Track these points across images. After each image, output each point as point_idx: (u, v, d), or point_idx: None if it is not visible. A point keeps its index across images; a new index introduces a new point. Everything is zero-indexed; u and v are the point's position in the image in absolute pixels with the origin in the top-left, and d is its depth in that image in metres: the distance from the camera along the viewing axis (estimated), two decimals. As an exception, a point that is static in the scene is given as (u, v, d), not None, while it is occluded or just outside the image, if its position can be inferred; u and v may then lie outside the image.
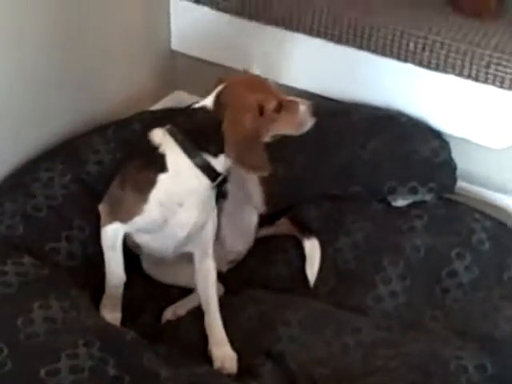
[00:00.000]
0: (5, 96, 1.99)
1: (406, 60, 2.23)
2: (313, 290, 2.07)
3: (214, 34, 2.52)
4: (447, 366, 1.72)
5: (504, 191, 2.33)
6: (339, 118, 2.31)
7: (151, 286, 2.07)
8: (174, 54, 2.65)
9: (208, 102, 1.77)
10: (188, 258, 1.96)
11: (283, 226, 2.21)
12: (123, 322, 1.90)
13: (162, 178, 1.76)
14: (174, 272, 2.06)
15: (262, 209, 2.15)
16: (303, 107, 1.83)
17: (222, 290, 2.03)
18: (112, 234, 1.85)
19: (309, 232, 2.15)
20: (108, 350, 1.61)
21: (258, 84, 1.80)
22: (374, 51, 2.26)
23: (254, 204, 2.13)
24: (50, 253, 1.93)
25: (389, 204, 2.23)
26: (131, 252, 2.00)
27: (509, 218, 2.24)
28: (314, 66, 2.39)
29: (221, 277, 2.01)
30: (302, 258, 2.12)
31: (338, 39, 2.28)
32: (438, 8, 2.30)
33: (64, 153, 2.14)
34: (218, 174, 1.79)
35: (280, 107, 1.77)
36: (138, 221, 1.79)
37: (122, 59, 2.41)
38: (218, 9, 2.42)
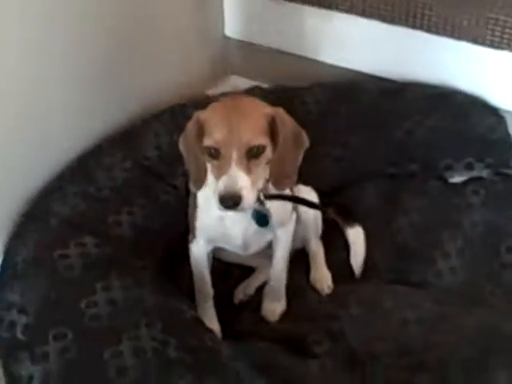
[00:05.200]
0: (68, 85, 2.06)
1: (460, 38, 2.23)
2: (373, 269, 2.07)
3: (266, 19, 2.57)
4: (507, 341, 1.73)
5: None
6: (394, 97, 2.32)
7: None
8: (227, 40, 2.71)
9: None
10: None
11: (330, 214, 2.19)
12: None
13: None
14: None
15: None
16: None
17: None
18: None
19: (352, 220, 2.15)
20: (169, 331, 1.64)
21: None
22: (428, 30, 2.26)
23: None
24: (112, 225, 1.96)
25: (445, 181, 2.22)
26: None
27: None
28: (368, 46, 2.41)
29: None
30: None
31: (391, 20, 2.30)
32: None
33: (125, 139, 2.20)
34: None
35: None
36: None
37: (177, 47, 2.47)
38: (270, -6, 2.43)
